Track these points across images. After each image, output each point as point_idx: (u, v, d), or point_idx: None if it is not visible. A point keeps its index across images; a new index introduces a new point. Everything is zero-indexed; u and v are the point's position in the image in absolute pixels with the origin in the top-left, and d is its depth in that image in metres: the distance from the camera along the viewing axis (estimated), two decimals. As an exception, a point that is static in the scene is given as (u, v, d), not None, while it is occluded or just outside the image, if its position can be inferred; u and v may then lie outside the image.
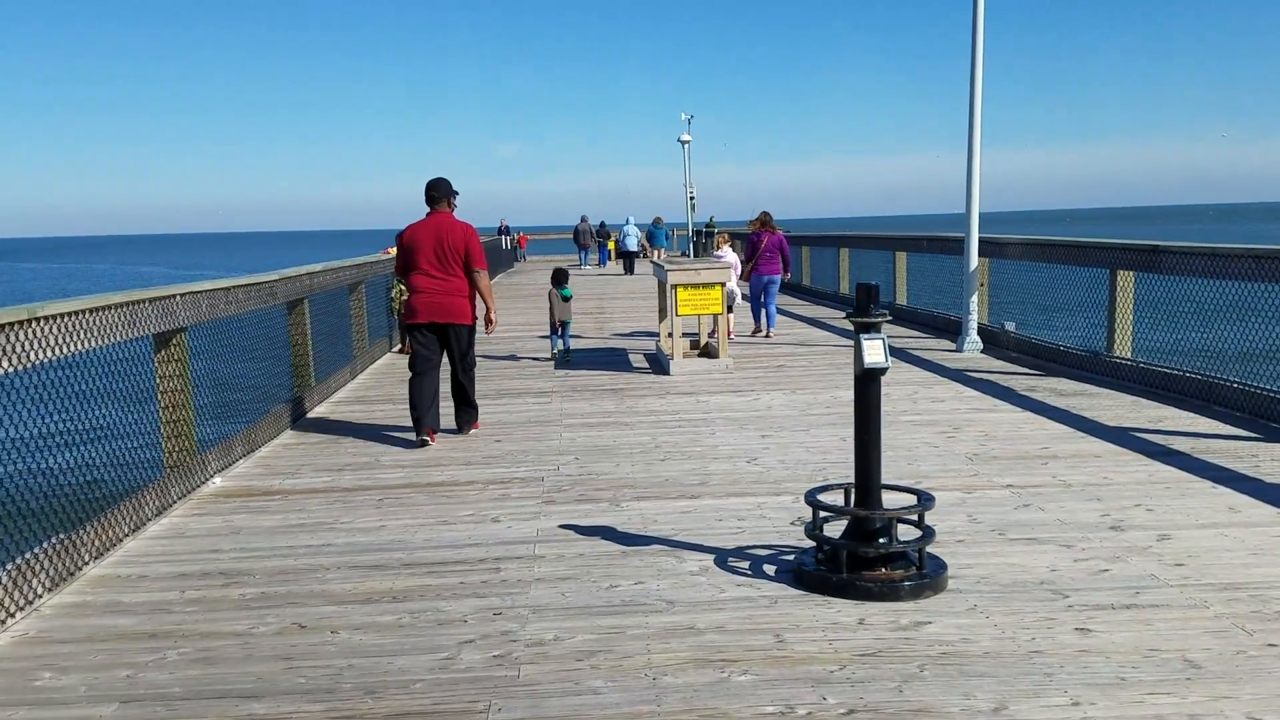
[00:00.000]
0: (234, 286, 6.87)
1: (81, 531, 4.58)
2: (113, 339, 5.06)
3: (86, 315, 4.77)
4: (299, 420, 7.95)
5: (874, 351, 3.96)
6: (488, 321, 7.33)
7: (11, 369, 4.15)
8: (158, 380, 5.82)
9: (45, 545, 4.30)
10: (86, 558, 4.58)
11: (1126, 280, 8.75)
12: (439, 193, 7.14)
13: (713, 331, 10.64)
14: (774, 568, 4.33)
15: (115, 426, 5.41)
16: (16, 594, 4.02)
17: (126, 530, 4.99)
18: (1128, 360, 8.64)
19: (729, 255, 11.97)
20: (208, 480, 6.07)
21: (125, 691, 3.36)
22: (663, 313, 10.50)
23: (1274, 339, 7.03)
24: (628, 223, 29.01)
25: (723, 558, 4.48)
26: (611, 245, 32.29)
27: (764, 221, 12.46)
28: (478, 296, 7.20)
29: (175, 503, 5.58)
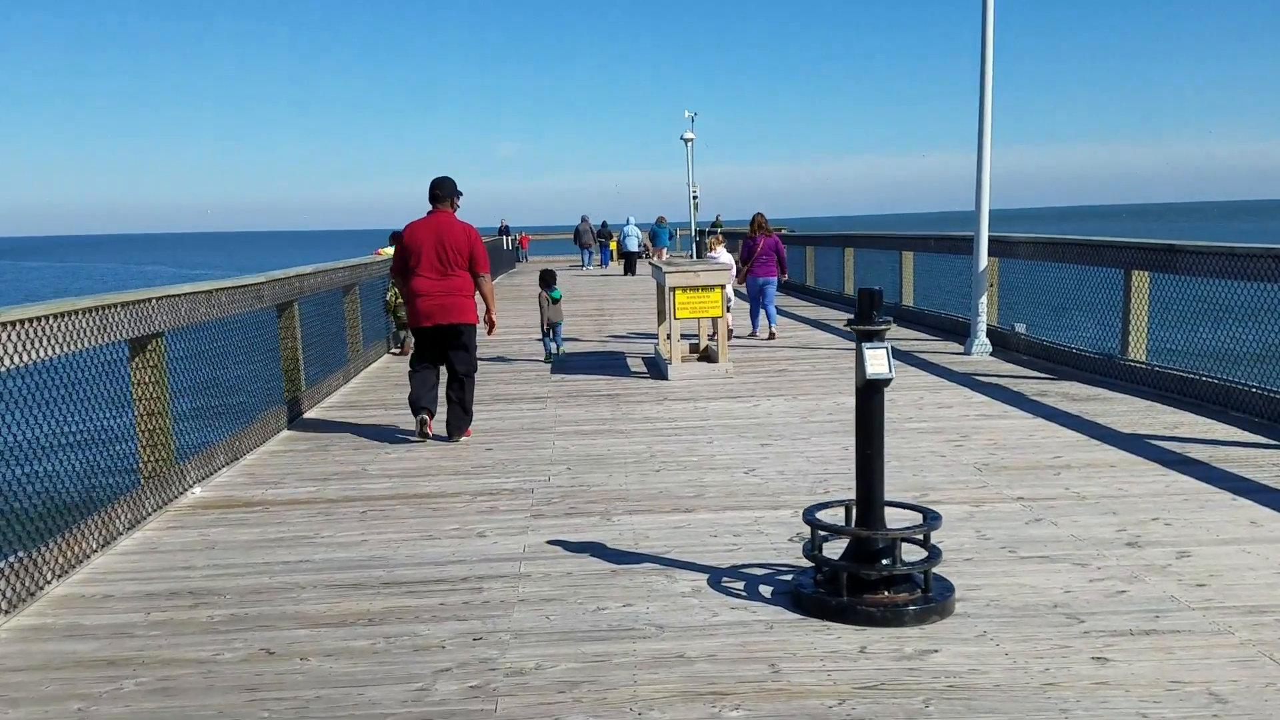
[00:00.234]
0: (217, 289, 6.65)
1: (45, 548, 4.37)
2: (81, 345, 4.84)
3: (51, 321, 4.56)
4: (287, 426, 7.74)
5: (877, 361, 3.73)
6: (489, 324, 7.31)
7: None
8: (133, 387, 5.60)
9: (4, 563, 4.08)
10: (49, 576, 4.36)
11: (1141, 281, 8.50)
12: (443, 192, 7.04)
13: (713, 334, 10.41)
14: (770, 589, 4.10)
15: (87, 436, 5.20)
16: (-30, 617, 3.81)
17: (95, 545, 4.78)
18: (1142, 364, 8.39)
19: (724, 256, 11.80)
20: (187, 490, 5.85)
21: (74, 727, 3.14)
22: (661, 315, 10.26)
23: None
24: (628, 223, 28.77)
25: (716, 577, 4.25)
26: (614, 245, 32.05)
27: (759, 224, 12.35)
28: (478, 296, 7.18)
29: (150, 515, 5.36)
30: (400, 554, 4.68)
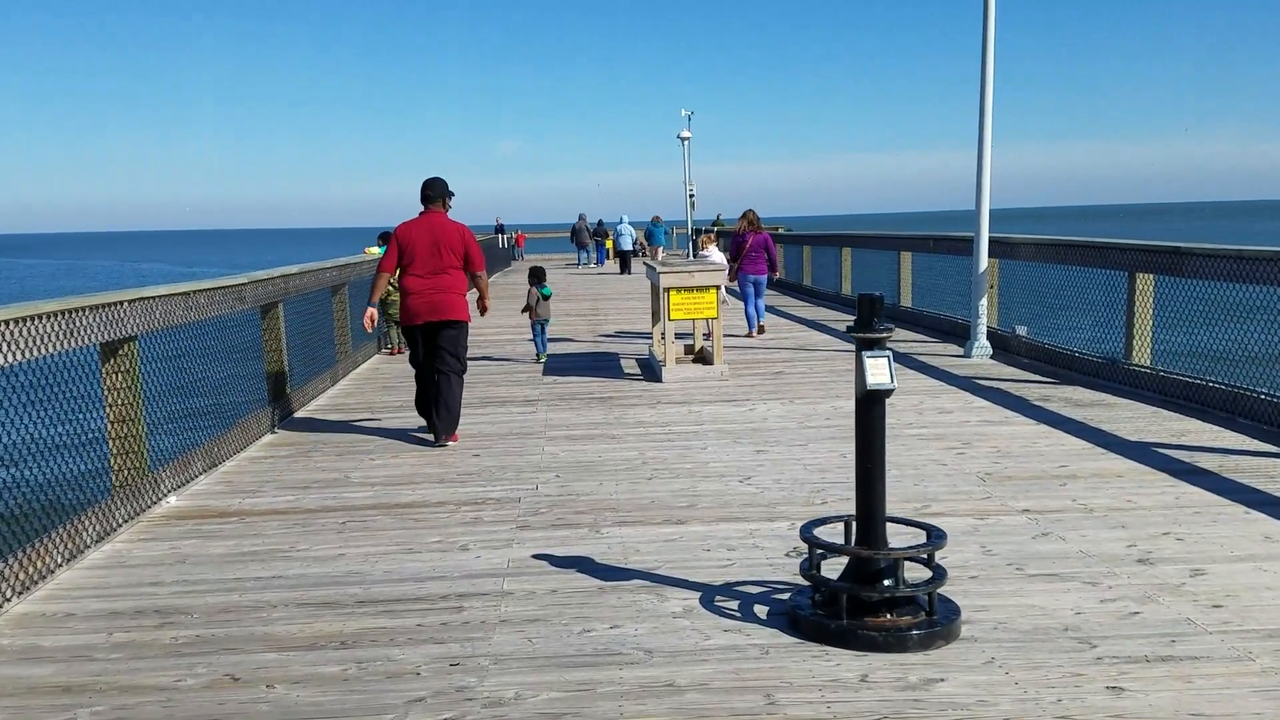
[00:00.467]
0: (195, 291, 6.44)
1: (6, 563, 4.16)
2: (46, 350, 4.63)
3: (13, 326, 4.35)
4: (270, 431, 7.52)
5: (878, 371, 3.53)
6: (482, 307, 7.36)
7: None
8: (105, 393, 5.39)
9: (-42, 582, 3.88)
10: (9, 593, 4.15)
11: (1146, 283, 8.30)
12: (435, 192, 7.07)
13: (708, 334, 10.21)
14: (766, 609, 3.90)
15: (56, 444, 4.99)
16: (-82, 639, 3.60)
17: (60, 560, 4.57)
18: (1147, 368, 8.20)
19: (715, 255, 11.64)
20: (161, 499, 5.64)
21: (19, 763, 2.93)
22: (656, 316, 10.05)
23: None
24: (622, 221, 28.56)
25: (709, 596, 4.05)
26: (610, 244, 31.83)
27: (750, 221, 12.24)
28: (472, 291, 7.26)
29: (120, 526, 5.15)
30: (378, 569, 4.47)
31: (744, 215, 12.59)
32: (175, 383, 6.37)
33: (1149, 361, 8.36)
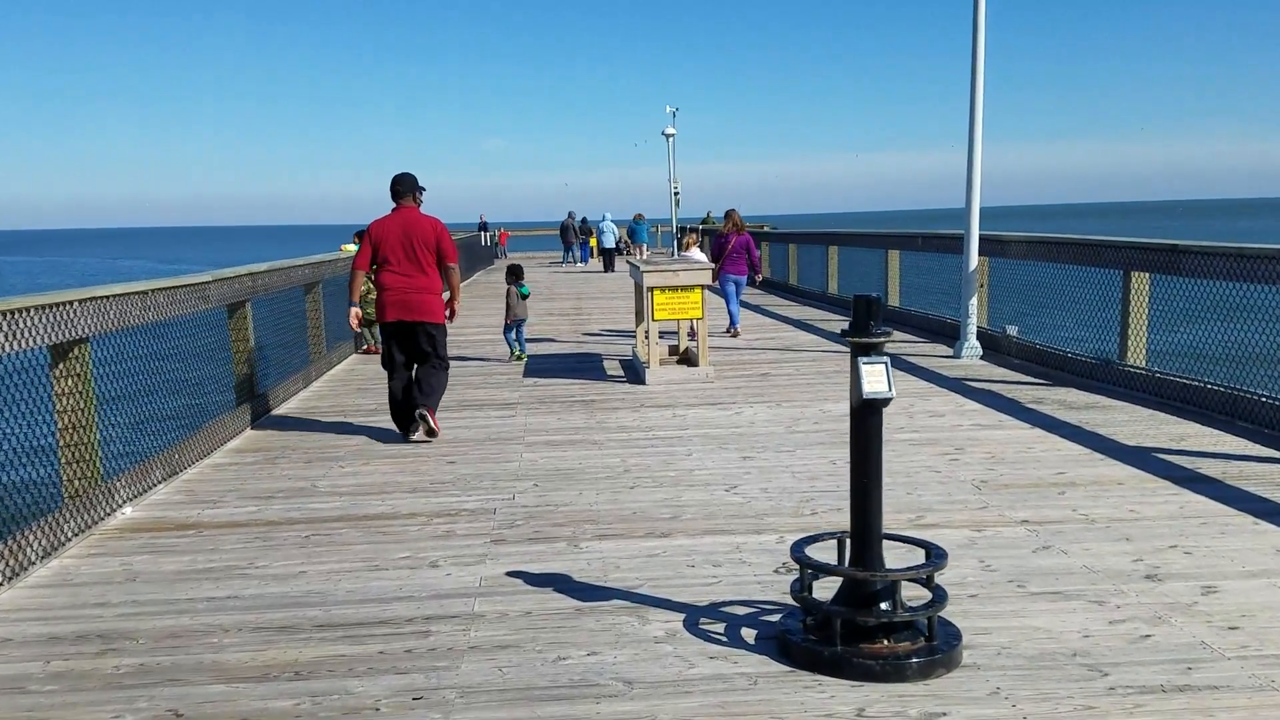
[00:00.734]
0: (154, 290, 6.13)
1: (-64, 585, 3.87)
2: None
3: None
4: (236, 436, 7.22)
5: (875, 378, 3.27)
6: (450, 309, 7.15)
7: None
8: (55, 399, 5.09)
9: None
10: (-59, 617, 3.86)
11: (1141, 282, 8.09)
12: (404, 188, 7.00)
13: (692, 333, 9.96)
14: (754, 632, 3.64)
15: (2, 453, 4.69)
16: None
17: (2, 578, 4.27)
18: (1142, 369, 7.99)
19: (697, 255, 11.47)
20: (116, 511, 5.34)
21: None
22: (639, 316, 9.79)
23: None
24: (604, 219, 28.28)
25: (694, 618, 3.79)
26: (594, 242, 31.54)
27: (734, 221, 12.37)
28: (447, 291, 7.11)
29: (70, 540, 4.85)
30: (341, 589, 4.19)
31: (727, 215, 12.61)
32: (135, 386, 6.07)
33: (1144, 362, 8.15)
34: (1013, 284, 10.64)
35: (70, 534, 4.86)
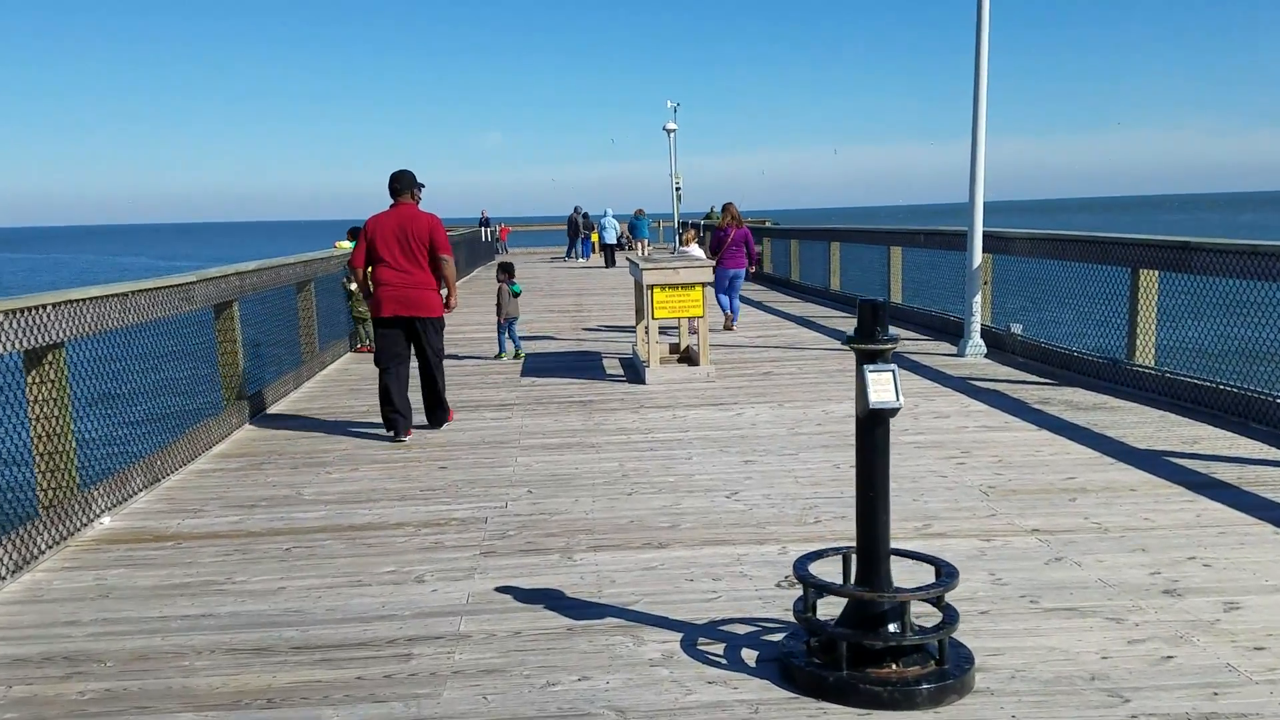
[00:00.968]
0: (134, 291, 5.94)
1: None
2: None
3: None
4: (223, 440, 7.03)
5: (882, 387, 3.08)
6: (448, 303, 7.15)
7: None
8: (29, 405, 4.90)
9: None
10: (-100, 638, 3.67)
11: (1150, 280, 7.89)
12: (402, 184, 7.02)
13: (693, 328, 9.74)
14: (755, 653, 3.45)
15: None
16: None
17: (-33, 595, 4.09)
18: (1151, 369, 7.79)
19: (696, 251, 11.33)
20: (94, 520, 5.15)
21: None
22: (639, 314, 9.59)
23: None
24: (605, 214, 28.06)
25: (692, 637, 3.60)
26: (595, 238, 31.31)
27: (732, 214, 12.31)
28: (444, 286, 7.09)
29: (44, 553, 4.66)
30: (320, 606, 4.00)
31: (725, 209, 12.52)
32: (117, 390, 5.90)
33: (1153, 362, 7.96)
34: (1017, 281, 10.43)
35: (44, 546, 4.68)
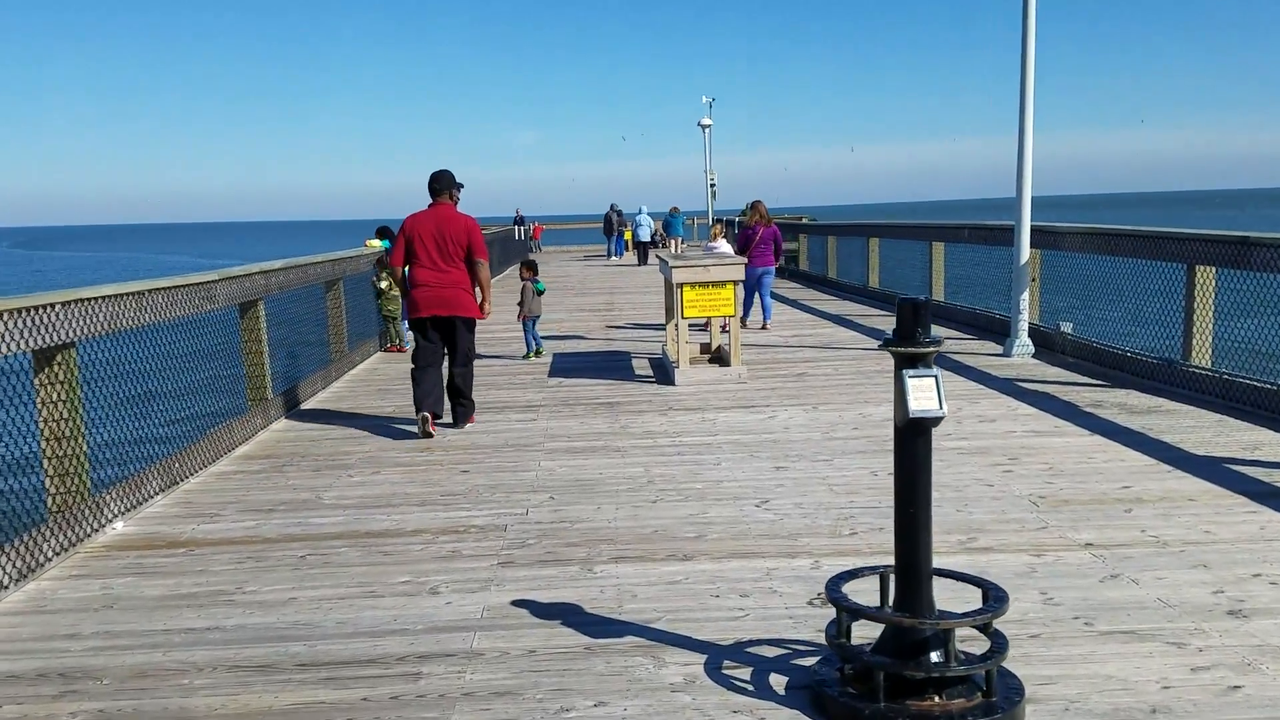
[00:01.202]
0: (151, 290, 5.81)
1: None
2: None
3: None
4: (246, 441, 6.90)
5: (923, 394, 2.83)
6: (482, 309, 7.26)
7: None
8: (38, 408, 4.78)
9: None
10: (-105, 650, 3.54)
11: (1207, 277, 7.52)
12: (441, 185, 7.11)
13: (725, 327, 9.48)
14: (784, 680, 3.21)
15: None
16: None
17: (-30, 604, 3.96)
18: (1207, 370, 7.42)
19: (723, 247, 11.12)
20: (106, 526, 5.02)
21: None
22: (669, 313, 9.36)
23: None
24: (640, 211, 27.83)
25: (716, 660, 3.37)
26: (628, 235, 31.08)
27: (760, 212, 12.18)
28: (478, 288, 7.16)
29: (51, 560, 4.53)
30: (331, 619, 3.82)
31: (752, 207, 12.41)
32: (136, 391, 5.77)
33: (1210, 363, 7.58)
34: (1066, 278, 10.05)
35: (53, 552, 4.55)
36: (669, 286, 9.16)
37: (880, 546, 4.33)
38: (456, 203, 7.20)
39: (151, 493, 5.52)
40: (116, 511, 5.14)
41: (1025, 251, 8.94)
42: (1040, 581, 3.98)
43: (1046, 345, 9.33)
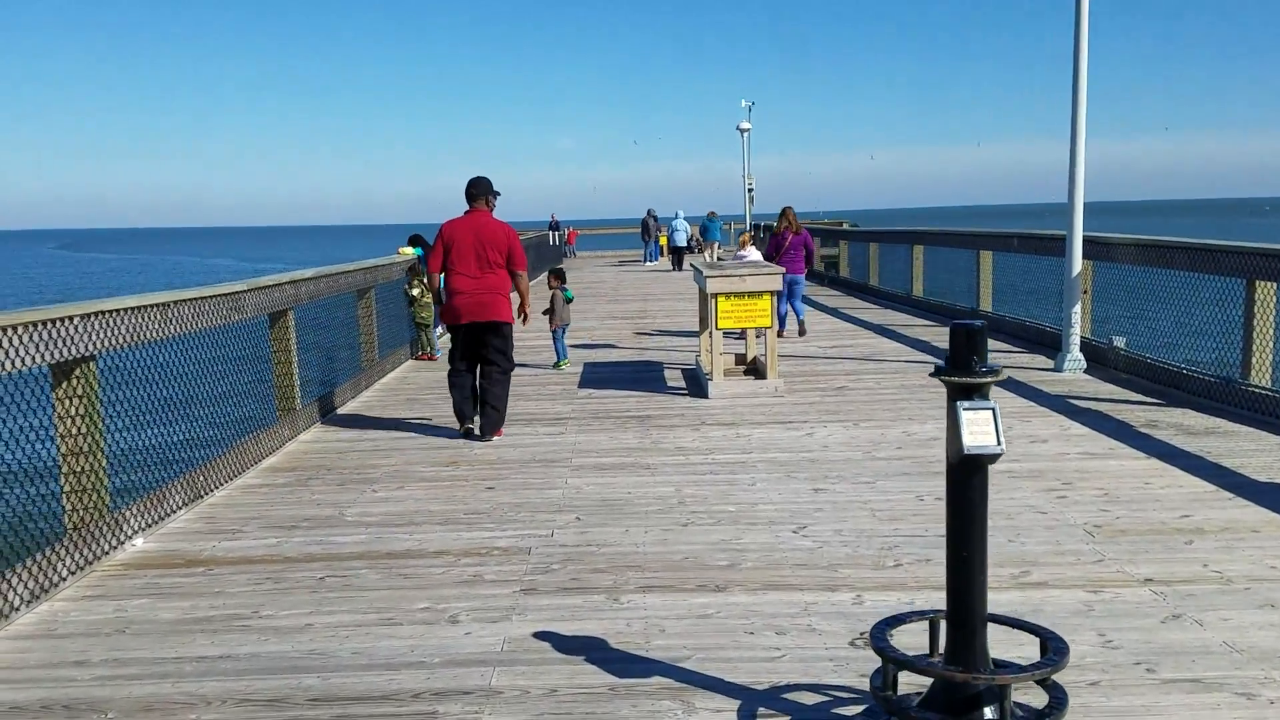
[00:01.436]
0: (176, 301, 5.70)
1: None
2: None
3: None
4: (273, 453, 6.79)
5: (979, 429, 2.60)
6: (524, 315, 7.53)
7: None
8: (56, 422, 4.67)
9: None
10: (-101, 676, 3.43)
11: (1267, 292, 7.18)
12: (479, 191, 7.12)
13: (760, 334, 9.24)
14: (824, 731, 3.00)
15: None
16: None
17: (-20, 626, 3.85)
18: (1268, 390, 7.07)
19: (752, 254, 10.92)
20: (126, 542, 4.91)
21: None
22: (703, 323, 9.14)
23: None
24: (677, 216, 27.60)
25: (751, 707, 3.15)
26: (664, 240, 30.87)
27: (789, 219, 12.12)
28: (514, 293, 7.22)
29: (66, 579, 4.42)
30: (346, 649, 3.66)
31: (782, 213, 12.27)
32: (162, 403, 5.66)
33: (1270, 382, 7.23)
34: (1117, 290, 9.70)
35: (66, 572, 4.43)
36: (703, 296, 8.95)
37: (927, 580, 4.09)
38: (493, 209, 7.17)
39: (174, 507, 5.41)
40: (137, 527, 5.02)
41: (1078, 263, 8.61)
42: (1098, 621, 3.72)
43: (1098, 360, 8.99)
